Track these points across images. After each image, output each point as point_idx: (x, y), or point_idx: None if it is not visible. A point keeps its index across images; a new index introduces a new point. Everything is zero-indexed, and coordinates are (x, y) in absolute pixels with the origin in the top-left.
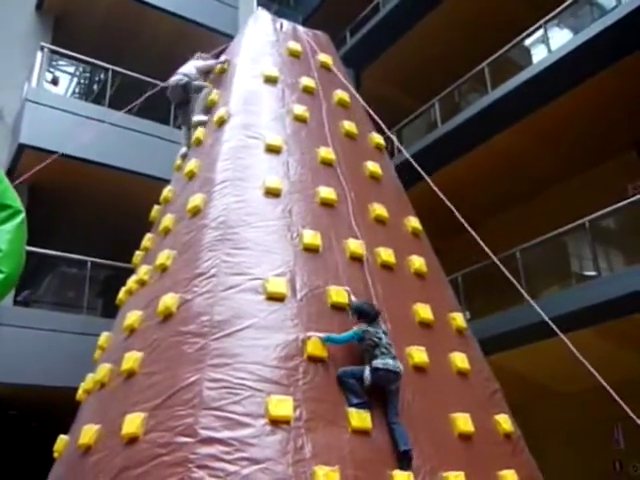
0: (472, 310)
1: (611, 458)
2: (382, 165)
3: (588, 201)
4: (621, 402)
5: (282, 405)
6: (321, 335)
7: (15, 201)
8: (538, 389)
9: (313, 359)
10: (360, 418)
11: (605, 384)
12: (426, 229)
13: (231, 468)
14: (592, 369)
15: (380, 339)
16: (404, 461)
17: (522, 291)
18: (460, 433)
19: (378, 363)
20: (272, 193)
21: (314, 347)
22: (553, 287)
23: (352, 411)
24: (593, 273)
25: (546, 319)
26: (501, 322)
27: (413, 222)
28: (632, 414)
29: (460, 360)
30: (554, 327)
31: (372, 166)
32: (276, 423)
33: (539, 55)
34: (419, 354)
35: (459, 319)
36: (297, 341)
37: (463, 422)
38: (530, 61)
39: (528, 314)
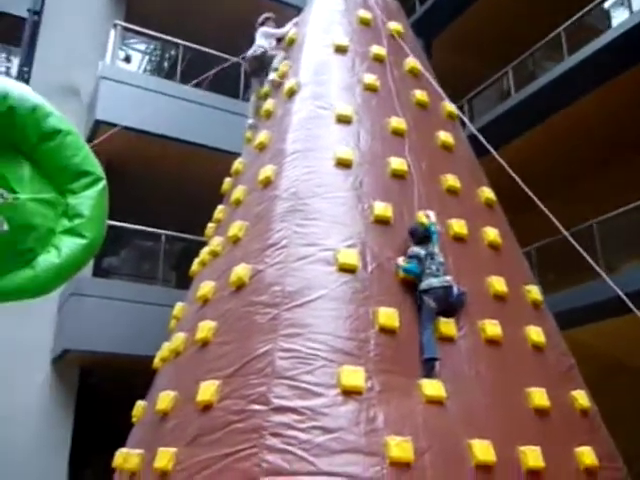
0: (547, 284)
1: None
2: (454, 135)
3: None
4: None
5: (354, 376)
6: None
7: (96, 168)
8: (615, 365)
9: (384, 330)
10: (434, 387)
11: None
12: (501, 201)
13: (304, 436)
14: None
15: (425, 260)
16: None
17: (594, 265)
18: (536, 408)
19: (423, 285)
20: (343, 164)
21: (386, 318)
22: (634, 261)
23: (425, 381)
24: None
25: (621, 294)
26: (578, 296)
27: (487, 193)
28: None
29: (536, 334)
30: (629, 303)
31: (444, 136)
32: (348, 393)
33: (619, 18)
34: (492, 327)
35: (534, 292)
36: (368, 313)
37: (539, 397)
38: (609, 25)
39: (606, 288)
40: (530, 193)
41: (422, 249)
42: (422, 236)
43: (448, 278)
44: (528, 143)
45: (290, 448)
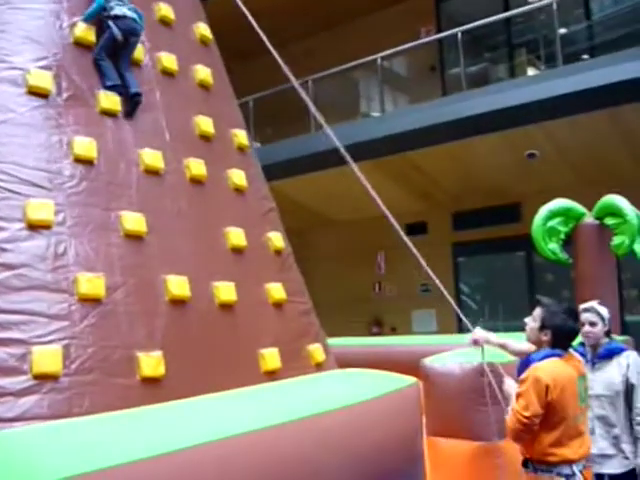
0: (262, 137)
1: (373, 281)
2: None
3: (384, 41)
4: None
5: (42, 208)
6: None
7: None
8: (316, 216)
9: (80, 161)
10: (135, 222)
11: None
12: (224, 46)
13: None
14: (380, 202)
15: None
16: (133, 103)
17: (319, 118)
18: (233, 247)
19: (116, 11)
20: None
21: (82, 148)
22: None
23: (125, 214)
24: (378, 114)
25: (339, 147)
26: (288, 149)
27: (202, 29)
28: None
29: (238, 177)
30: (347, 156)
31: None
32: (34, 228)
33: None
34: (197, 166)
35: (241, 136)
36: (62, 143)
37: (236, 236)
38: None
39: (315, 143)
40: (265, 39)
41: None
42: None
43: (135, 15)
44: None
45: None
